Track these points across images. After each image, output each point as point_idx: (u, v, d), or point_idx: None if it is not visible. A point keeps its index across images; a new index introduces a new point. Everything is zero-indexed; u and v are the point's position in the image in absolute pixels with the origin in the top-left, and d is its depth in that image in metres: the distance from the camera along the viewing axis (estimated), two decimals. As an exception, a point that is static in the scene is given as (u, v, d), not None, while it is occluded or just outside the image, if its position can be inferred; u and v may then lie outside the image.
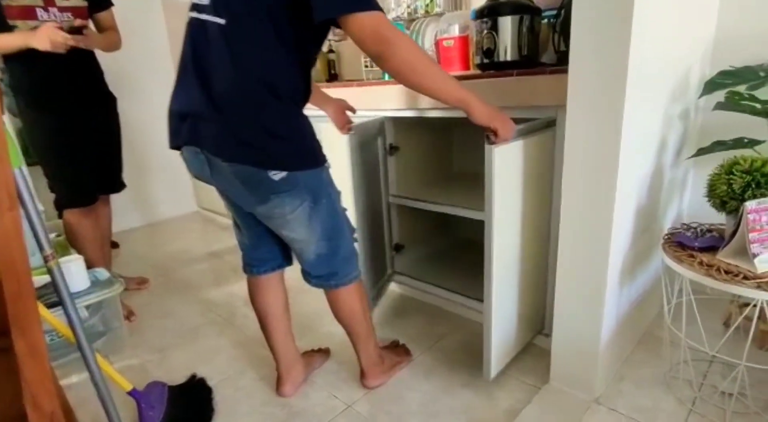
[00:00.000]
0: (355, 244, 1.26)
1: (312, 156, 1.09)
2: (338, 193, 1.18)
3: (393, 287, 1.98)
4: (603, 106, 1.03)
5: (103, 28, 1.82)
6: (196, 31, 1.00)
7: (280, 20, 0.95)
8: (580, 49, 1.04)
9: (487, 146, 1.10)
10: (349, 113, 1.47)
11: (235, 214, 1.23)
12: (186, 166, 1.11)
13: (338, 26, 0.93)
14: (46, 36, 1.51)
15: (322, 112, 1.44)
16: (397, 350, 1.49)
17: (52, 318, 1.10)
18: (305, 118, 1.08)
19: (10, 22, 1.56)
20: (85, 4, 1.71)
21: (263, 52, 0.96)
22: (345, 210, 1.22)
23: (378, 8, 0.92)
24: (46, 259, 0.81)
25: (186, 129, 1.03)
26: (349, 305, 1.26)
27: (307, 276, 1.22)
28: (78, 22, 1.66)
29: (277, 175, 1.01)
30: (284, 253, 1.30)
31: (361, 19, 0.90)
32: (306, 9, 0.90)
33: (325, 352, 1.52)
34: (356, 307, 1.26)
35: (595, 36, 1.00)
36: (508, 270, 1.25)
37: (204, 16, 0.98)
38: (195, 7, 1.00)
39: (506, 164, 1.15)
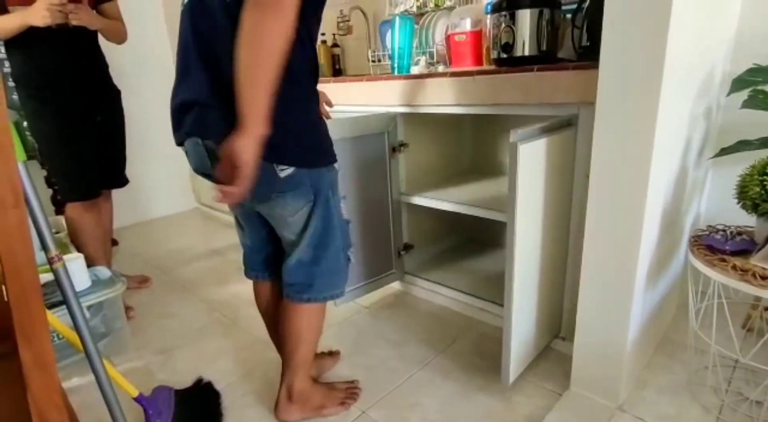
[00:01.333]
0: (351, 261, 1.15)
1: (322, 153, 1.02)
2: (339, 199, 1.10)
3: (402, 287, 1.93)
4: (636, 103, 0.98)
5: (109, 19, 1.76)
6: (197, 15, 0.92)
7: None
8: (612, 43, 0.99)
9: (511, 141, 1.06)
10: (329, 108, 1.39)
11: (238, 214, 1.16)
12: (187, 159, 1.03)
13: None
14: (42, 7, 1.45)
15: None
16: (334, 393, 1.29)
17: (60, 324, 1.04)
18: (316, 110, 1.02)
19: (11, 9, 1.51)
20: None
21: None
22: (348, 222, 1.14)
23: None
24: (51, 261, 0.76)
25: (190, 119, 0.94)
26: (305, 324, 1.13)
27: (283, 284, 1.12)
28: None
29: (284, 171, 0.94)
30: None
31: None
32: None
33: (335, 355, 1.48)
34: (305, 330, 1.14)
35: (629, 30, 0.95)
36: (528, 273, 1.21)
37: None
38: None
39: (530, 161, 1.11)
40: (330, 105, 1.38)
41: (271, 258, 1.19)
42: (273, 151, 0.90)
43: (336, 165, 1.06)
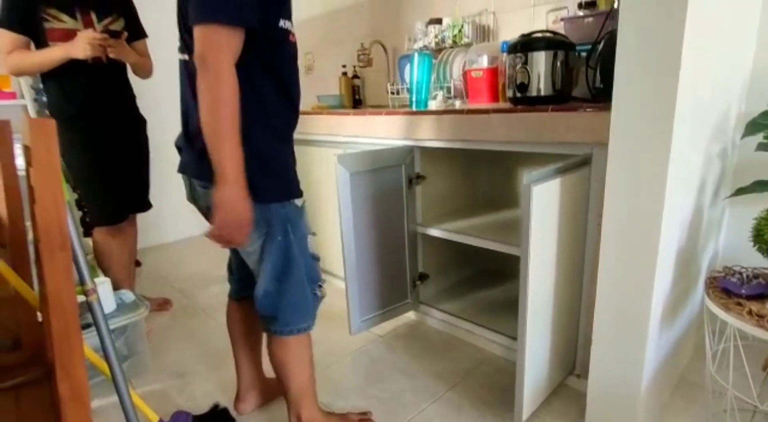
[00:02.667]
0: (320, 296, 1.17)
1: (274, 188, 1.02)
2: (304, 235, 1.10)
3: (417, 317, 1.95)
4: (648, 145, 1.01)
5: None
6: (180, 71, 1.06)
7: None
8: (624, 85, 1.03)
9: (524, 183, 1.09)
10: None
11: None
12: None
13: None
14: (83, 41, 1.56)
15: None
16: None
17: (92, 354, 1.09)
18: (276, 144, 1.03)
19: (52, 44, 1.62)
20: (123, 31, 1.76)
21: None
22: (314, 257, 1.14)
23: (224, 20, 0.83)
24: (87, 294, 0.81)
25: (181, 159, 1.10)
26: (280, 358, 1.16)
27: (258, 313, 1.15)
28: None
29: None
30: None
31: (197, 32, 0.84)
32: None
33: None
34: (288, 362, 1.16)
35: (641, 72, 0.99)
36: (542, 309, 1.22)
37: (179, 55, 1.04)
38: (178, 48, 1.05)
39: (543, 202, 1.13)
40: None
41: (241, 280, 1.29)
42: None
43: (298, 201, 1.07)
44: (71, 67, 1.62)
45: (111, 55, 1.68)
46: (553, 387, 1.38)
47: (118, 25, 1.75)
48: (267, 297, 1.10)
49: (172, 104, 3.31)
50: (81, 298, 1.00)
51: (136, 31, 1.84)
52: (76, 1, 1.64)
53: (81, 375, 0.64)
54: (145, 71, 1.90)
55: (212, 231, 0.93)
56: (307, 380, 1.21)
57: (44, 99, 1.85)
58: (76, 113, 1.73)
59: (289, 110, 1.06)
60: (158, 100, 2.96)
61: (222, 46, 0.83)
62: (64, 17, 1.62)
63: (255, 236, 1.02)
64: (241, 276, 1.28)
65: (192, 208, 1.15)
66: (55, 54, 1.60)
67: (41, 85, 1.85)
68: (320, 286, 1.16)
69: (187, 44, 0.99)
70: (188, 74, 1.00)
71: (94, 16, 1.68)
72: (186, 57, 1.00)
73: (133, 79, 1.90)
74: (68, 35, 1.61)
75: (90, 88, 1.73)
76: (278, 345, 1.15)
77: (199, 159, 0.96)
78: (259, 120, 0.98)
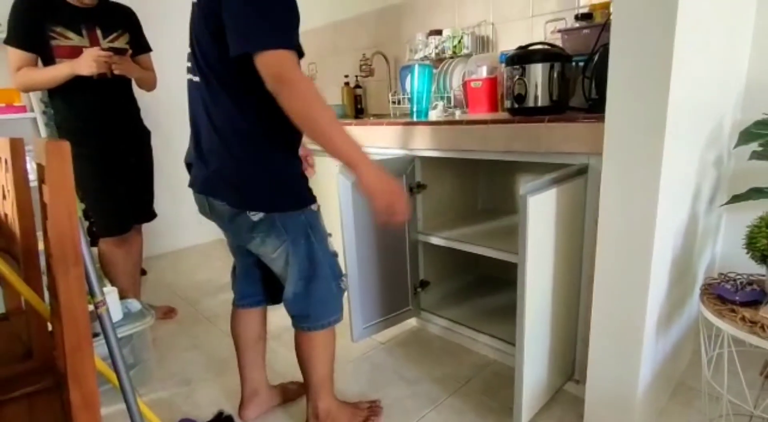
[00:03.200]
0: (344, 289, 1.24)
1: (291, 198, 1.11)
2: (324, 236, 1.19)
3: (418, 324, 1.97)
4: (641, 154, 1.03)
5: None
6: (189, 91, 1.11)
7: (230, 68, 1.00)
8: (617, 97, 1.05)
9: (521, 194, 1.12)
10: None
11: (231, 245, 1.32)
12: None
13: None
14: (89, 58, 1.60)
15: (313, 146, 1.42)
16: (358, 412, 1.37)
17: (101, 363, 1.12)
18: (288, 158, 1.11)
19: (58, 61, 1.66)
20: (128, 47, 1.80)
21: (228, 100, 1.03)
22: (334, 254, 1.22)
23: (287, 46, 0.92)
24: (96, 306, 0.84)
25: (191, 175, 1.16)
26: (308, 352, 1.24)
27: (289, 314, 1.23)
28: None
29: (255, 216, 1.07)
30: (267, 292, 1.34)
31: (266, 58, 0.91)
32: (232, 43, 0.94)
33: (302, 386, 1.52)
34: (317, 355, 1.24)
35: (633, 84, 1.01)
36: (540, 315, 1.25)
37: (189, 76, 1.10)
38: (187, 70, 1.11)
39: (539, 211, 1.16)
40: (310, 164, 1.38)
41: (249, 287, 1.33)
42: (244, 199, 1.06)
43: (314, 205, 1.16)
44: (77, 82, 1.66)
45: (116, 71, 1.72)
46: (552, 392, 1.40)
47: (123, 40, 1.79)
48: (296, 298, 1.17)
49: (177, 116, 3.35)
50: (90, 308, 1.04)
51: (140, 46, 1.88)
52: (81, 18, 1.69)
53: (92, 384, 0.67)
54: (149, 84, 1.94)
55: (378, 218, 1.02)
56: (328, 372, 1.28)
57: (48, 116, 1.90)
58: (82, 127, 1.78)
59: None
60: (162, 112, 3.02)
61: (294, 62, 0.94)
62: (71, 34, 1.67)
63: (278, 243, 1.11)
64: (247, 284, 1.33)
65: (197, 218, 1.21)
66: (61, 71, 1.64)
67: (47, 99, 1.90)
68: (342, 280, 1.24)
69: (200, 68, 1.04)
70: (200, 95, 1.06)
71: (99, 33, 1.72)
72: (198, 79, 1.06)
73: (138, 92, 1.94)
74: (75, 52, 1.66)
75: (95, 103, 1.77)
76: (307, 340, 1.22)
77: (216, 178, 1.07)
78: (279, 139, 1.07)
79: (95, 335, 1.43)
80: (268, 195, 1.07)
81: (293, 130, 1.08)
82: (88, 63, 1.61)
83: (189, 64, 1.10)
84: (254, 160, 1.05)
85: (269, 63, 0.92)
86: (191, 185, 1.16)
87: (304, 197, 1.13)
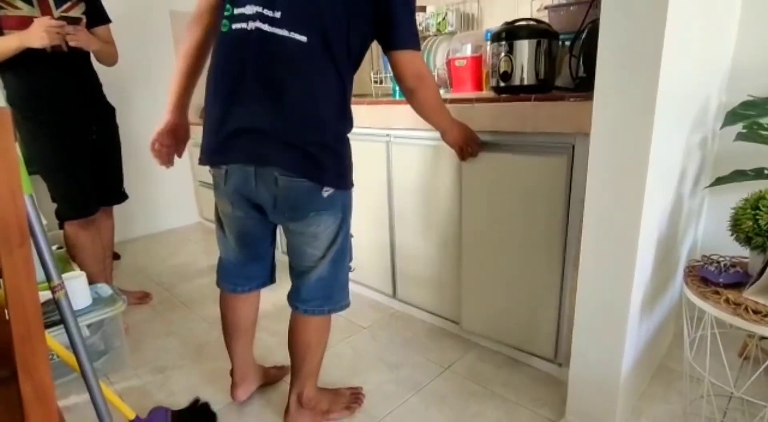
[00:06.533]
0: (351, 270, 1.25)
1: (350, 176, 1.13)
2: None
3: (401, 308, 1.94)
4: (630, 133, 1.00)
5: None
6: (256, 44, 0.98)
7: (351, 41, 1.01)
8: (606, 74, 1.01)
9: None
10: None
11: (241, 229, 1.19)
12: (218, 180, 1.10)
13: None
14: (39, 28, 1.48)
15: None
16: (340, 398, 1.36)
17: (58, 346, 1.06)
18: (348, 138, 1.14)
19: (7, 32, 1.53)
20: (83, 17, 1.68)
21: (338, 72, 1.01)
22: (352, 236, 1.22)
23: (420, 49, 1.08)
24: (53, 290, 0.78)
25: (240, 144, 1.01)
26: (317, 335, 1.22)
27: (296, 300, 1.19)
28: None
29: (326, 192, 1.06)
30: (272, 271, 1.32)
31: (414, 56, 1.07)
32: (379, 35, 1.05)
33: (284, 369, 1.50)
34: (318, 341, 1.23)
35: (623, 60, 0.98)
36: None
37: (275, 30, 0.97)
38: (250, 18, 0.98)
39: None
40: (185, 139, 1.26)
41: (257, 271, 1.28)
42: (321, 174, 1.03)
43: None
44: (30, 56, 1.53)
45: (71, 43, 1.60)
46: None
47: (78, 11, 1.67)
48: (320, 281, 1.15)
49: (144, 91, 3.23)
50: (48, 294, 0.97)
51: (98, 17, 1.75)
52: None
53: (44, 375, 0.62)
54: (109, 58, 1.82)
55: (463, 152, 1.37)
56: (320, 361, 1.26)
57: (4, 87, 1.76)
58: (38, 104, 1.66)
59: None
60: (127, 88, 2.88)
61: (424, 62, 1.15)
62: (19, 3, 1.54)
63: (332, 222, 1.11)
64: (260, 267, 1.28)
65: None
66: (9, 43, 1.51)
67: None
68: (353, 262, 1.25)
69: (310, 30, 0.97)
70: (304, 54, 0.97)
71: (51, 2, 1.59)
72: (302, 38, 0.97)
73: (99, 67, 1.83)
74: (24, 23, 1.52)
75: (52, 78, 1.65)
76: (314, 325, 1.20)
77: (297, 147, 1.00)
78: (347, 114, 1.10)
79: (56, 323, 1.36)
80: (342, 171, 1.09)
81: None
82: (38, 34, 1.48)
83: (271, 14, 0.97)
84: (342, 134, 1.08)
85: (416, 61, 1.08)
86: (241, 159, 1.02)
87: (352, 177, 1.15)
